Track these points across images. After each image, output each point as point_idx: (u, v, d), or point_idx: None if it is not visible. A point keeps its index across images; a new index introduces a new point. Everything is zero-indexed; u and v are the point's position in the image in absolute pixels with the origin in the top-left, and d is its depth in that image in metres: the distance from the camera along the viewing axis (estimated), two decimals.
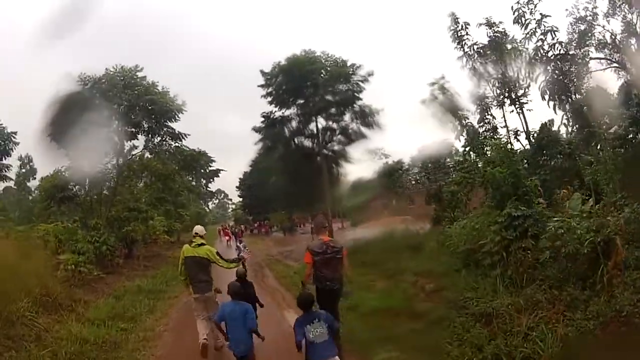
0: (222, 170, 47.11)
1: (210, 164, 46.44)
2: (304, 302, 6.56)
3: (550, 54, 21.39)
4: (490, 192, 12.29)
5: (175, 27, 72.17)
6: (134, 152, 24.98)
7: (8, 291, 10.34)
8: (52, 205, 23.14)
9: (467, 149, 21.42)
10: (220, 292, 9.02)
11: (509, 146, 15.05)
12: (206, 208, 51.94)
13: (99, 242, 19.05)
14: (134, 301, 13.96)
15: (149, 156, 25.52)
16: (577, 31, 22.09)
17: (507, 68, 22.07)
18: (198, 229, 9.47)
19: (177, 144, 24.54)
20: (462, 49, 21.91)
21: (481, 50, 21.81)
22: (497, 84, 22.10)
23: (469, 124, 22.36)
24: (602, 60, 22.63)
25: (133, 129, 23.49)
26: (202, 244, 9.17)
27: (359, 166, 27.69)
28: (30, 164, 33.35)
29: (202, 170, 47.05)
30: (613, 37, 21.87)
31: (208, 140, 71.16)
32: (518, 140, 22.39)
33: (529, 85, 22.00)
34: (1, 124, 22.32)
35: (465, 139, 22.37)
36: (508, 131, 22.40)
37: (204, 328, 8.83)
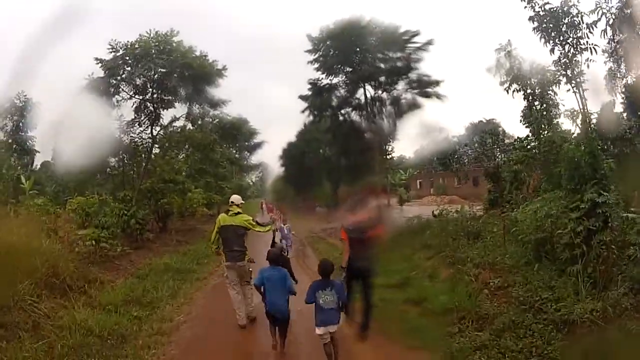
0: (265, 142, 46.23)
1: (254, 136, 46.04)
2: (324, 269, 6.97)
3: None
4: (566, 173, 9.91)
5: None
6: (175, 124, 23.29)
7: (8, 272, 8.95)
8: (84, 177, 21.70)
9: (531, 124, 18.71)
10: (253, 262, 9.25)
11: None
12: (249, 181, 50.52)
13: (127, 215, 17.57)
14: (157, 282, 12.30)
15: (191, 128, 23.63)
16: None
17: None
18: (234, 197, 9.59)
19: (217, 112, 22.61)
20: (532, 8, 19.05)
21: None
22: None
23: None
24: None
25: (170, 97, 21.59)
26: (239, 213, 9.23)
27: (409, 141, 25.47)
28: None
29: (245, 142, 46.34)
30: None
31: (251, 113, 69.87)
32: (574, 122, 20.23)
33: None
34: (25, 95, 20.79)
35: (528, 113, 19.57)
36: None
37: (239, 303, 9.08)
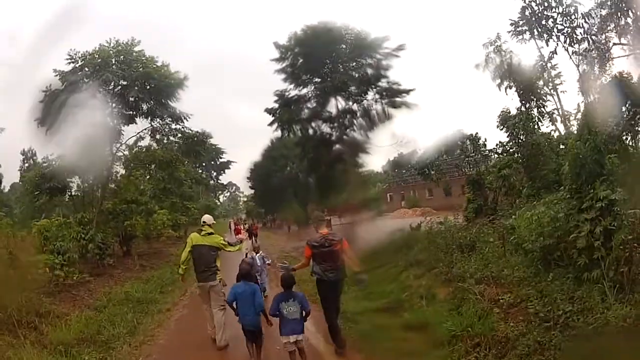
0: (232, 162, 45.04)
1: (221, 155, 44.64)
2: (286, 282, 7.20)
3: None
4: (570, 171, 8.81)
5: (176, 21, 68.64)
6: (140, 144, 21.94)
7: None
8: (38, 199, 19.78)
9: (511, 129, 17.76)
10: (225, 284, 9.03)
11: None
12: (216, 201, 49.17)
13: (85, 239, 15.86)
14: (115, 315, 10.70)
15: (155, 146, 21.96)
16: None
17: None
18: (206, 218, 9.39)
19: (179, 126, 21.09)
20: None
21: None
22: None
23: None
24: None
25: (131, 112, 20.00)
26: (211, 233, 9.07)
27: (380, 153, 24.19)
28: (34, 157, 31.08)
29: (212, 162, 45.01)
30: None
31: (218, 133, 68.18)
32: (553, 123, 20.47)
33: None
34: None
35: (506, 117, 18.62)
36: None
37: (215, 321, 8.91)
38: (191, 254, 9.04)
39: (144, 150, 21.90)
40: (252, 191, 42.76)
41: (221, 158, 46.80)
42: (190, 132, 21.53)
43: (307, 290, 14.53)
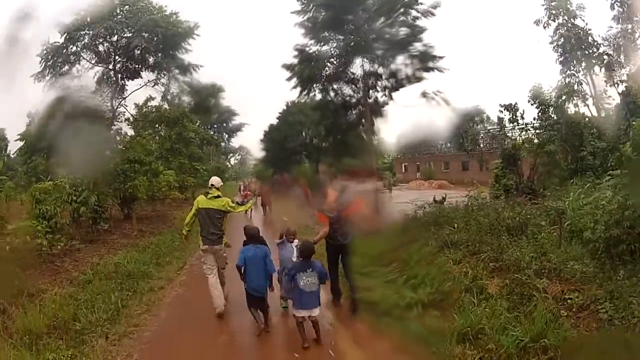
0: (245, 124, 42.99)
1: (233, 118, 42.69)
2: (306, 251, 6.85)
3: None
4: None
5: None
6: (150, 103, 20.04)
7: None
8: (32, 159, 18.12)
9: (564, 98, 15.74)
10: (229, 246, 8.81)
11: None
12: (227, 163, 47.29)
13: (77, 202, 13.82)
14: (98, 294, 8.80)
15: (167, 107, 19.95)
16: None
17: None
18: (214, 180, 8.86)
19: (187, 79, 18.98)
20: None
21: None
22: None
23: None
24: None
25: (136, 65, 17.91)
26: (218, 196, 8.60)
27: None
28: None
29: (224, 124, 43.07)
30: None
31: (231, 96, 65.65)
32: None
33: None
34: None
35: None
36: None
37: (217, 291, 8.32)
38: (197, 217, 8.63)
39: (153, 110, 20.19)
40: (263, 154, 41.09)
41: (234, 120, 44.56)
42: (199, 84, 19.38)
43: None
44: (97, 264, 11.13)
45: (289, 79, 20.60)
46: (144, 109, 20.31)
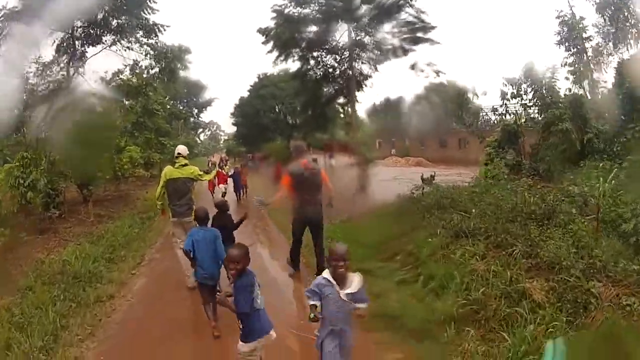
0: (215, 98, 43.78)
1: (203, 92, 41.65)
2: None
3: None
4: None
5: None
6: (120, 76, 17.89)
7: None
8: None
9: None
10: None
11: None
12: (197, 139, 45.21)
13: (25, 186, 11.66)
14: (37, 308, 6.64)
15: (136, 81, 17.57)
16: None
17: None
18: (181, 148, 8.38)
19: (152, 41, 16.56)
20: None
21: None
22: None
23: None
24: None
25: (98, 30, 15.50)
26: (186, 165, 8.13)
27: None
28: None
29: (194, 99, 40.97)
30: None
31: (201, 70, 62.73)
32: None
33: None
34: None
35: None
36: None
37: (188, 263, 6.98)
38: (166, 189, 8.14)
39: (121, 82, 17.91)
40: (234, 130, 39.11)
41: (203, 95, 43.50)
42: (164, 46, 16.94)
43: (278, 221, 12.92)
44: (42, 262, 8.98)
45: (265, 42, 18.49)
46: (111, 83, 18.19)
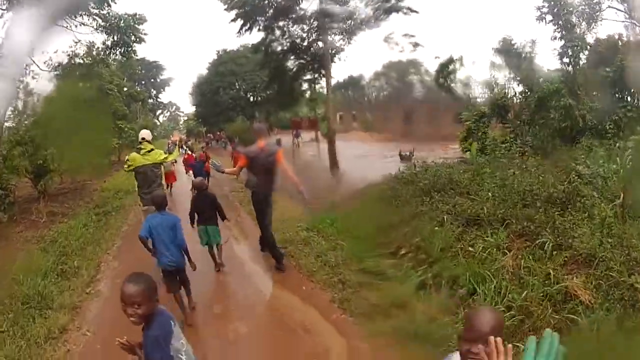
0: (172, 79, 40.59)
1: (161, 73, 39.97)
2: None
3: None
4: None
5: None
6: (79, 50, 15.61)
7: None
8: None
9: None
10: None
11: None
12: (156, 121, 43.11)
13: None
14: None
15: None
16: None
17: None
18: (145, 133, 8.09)
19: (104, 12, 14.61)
20: None
21: None
22: None
23: None
24: None
25: None
26: (152, 150, 7.89)
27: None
28: None
29: (152, 80, 38.95)
30: None
31: (157, 48, 59.62)
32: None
33: None
34: None
35: None
36: None
37: None
38: (135, 177, 7.95)
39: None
40: (193, 109, 37.21)
41: (161, 75, 40.34)
42: (115, 15, 14.93)
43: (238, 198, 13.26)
44: None
45: (227, 9, 16.74)
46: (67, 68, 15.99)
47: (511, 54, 15.12)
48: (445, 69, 16.43)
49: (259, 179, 7.54)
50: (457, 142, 17.52)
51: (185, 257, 5.84)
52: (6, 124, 14.46)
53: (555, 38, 15.47)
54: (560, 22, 14.98)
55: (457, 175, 9.73)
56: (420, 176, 10.30)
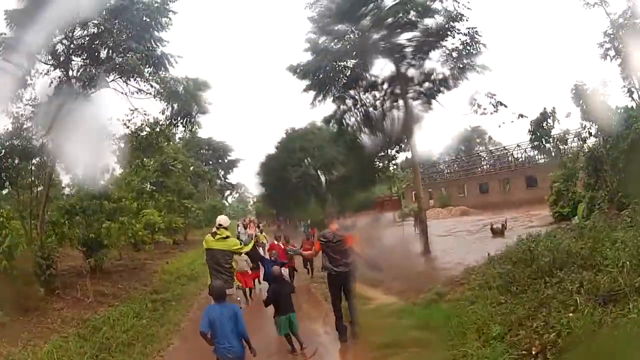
0: (240, 159, 41.50)
1: (229, 153, 40.71)
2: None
3: None
4: None
5: None
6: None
7: None
8: None
9: None
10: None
11: None
12: (225, 202, 43.03)
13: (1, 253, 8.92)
14: None
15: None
16: None
17: None
18: (222, 219, 7.66)
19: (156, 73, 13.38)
20: None
21: None
22: None
23: None
24: None
25: (100, 68, 12.97)
26: (227, 237, 7.52)
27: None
28: None
29: (219, 160, 39.11)
30: None
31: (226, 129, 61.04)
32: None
33: None
34: None
35: None
36: None
37: None
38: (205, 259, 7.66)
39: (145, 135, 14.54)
40: (262, 190, 36.82)
41: (229, 156, 41.34)
42: (174, 79, 13.61)
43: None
44: None
45: (299, 77, 15.71)
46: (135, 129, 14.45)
47: (586, 99, 13.51)
48: (540, 126, 14.57)
49: (332, 261, 7.74)
50: (547, 206, 16.65)
51: (247, 345, 5.54)
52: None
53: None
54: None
55: (571, 246, 7.86)
56: (535, 252, 8.29)
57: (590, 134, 13.12)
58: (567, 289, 6.47)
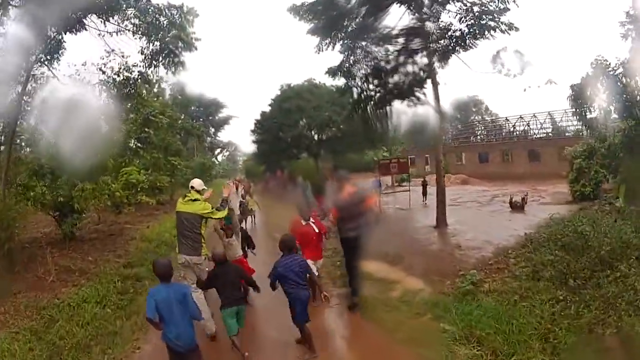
0: (233, 117, 39.98)
1: (220, 110, 39.09)
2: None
3: None
4: None
5: None
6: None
7: None
8: None
9: None
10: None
11: None
12: (215, 160, 41.67)
13: None
14: None
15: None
16: None
17: None
18: (195, 182, 7.31)
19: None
20: None
21: None
22: None
23: None
24: None
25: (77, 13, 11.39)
26: (196, 200, 7.06)
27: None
28: None
29: (210, 117, 37.86)
30: None
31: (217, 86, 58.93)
32: None
33: None
34: None
35: None
36: None
37: (204, 305, 6.54)
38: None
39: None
40: (253, 149, 35.13)
41: (221, 113, 39.77)
42: (155, 7, 11.87)
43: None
44: None
45: (303, 19, 14.04)
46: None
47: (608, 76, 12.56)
48: (581, 93, 13.08)
49: (349, 224, 7.35)
50: (566, 184, 15.95)
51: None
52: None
53: None
54: None
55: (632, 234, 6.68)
56: (590, 238, 6.92)
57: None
58: (634, 286, 5.58)
